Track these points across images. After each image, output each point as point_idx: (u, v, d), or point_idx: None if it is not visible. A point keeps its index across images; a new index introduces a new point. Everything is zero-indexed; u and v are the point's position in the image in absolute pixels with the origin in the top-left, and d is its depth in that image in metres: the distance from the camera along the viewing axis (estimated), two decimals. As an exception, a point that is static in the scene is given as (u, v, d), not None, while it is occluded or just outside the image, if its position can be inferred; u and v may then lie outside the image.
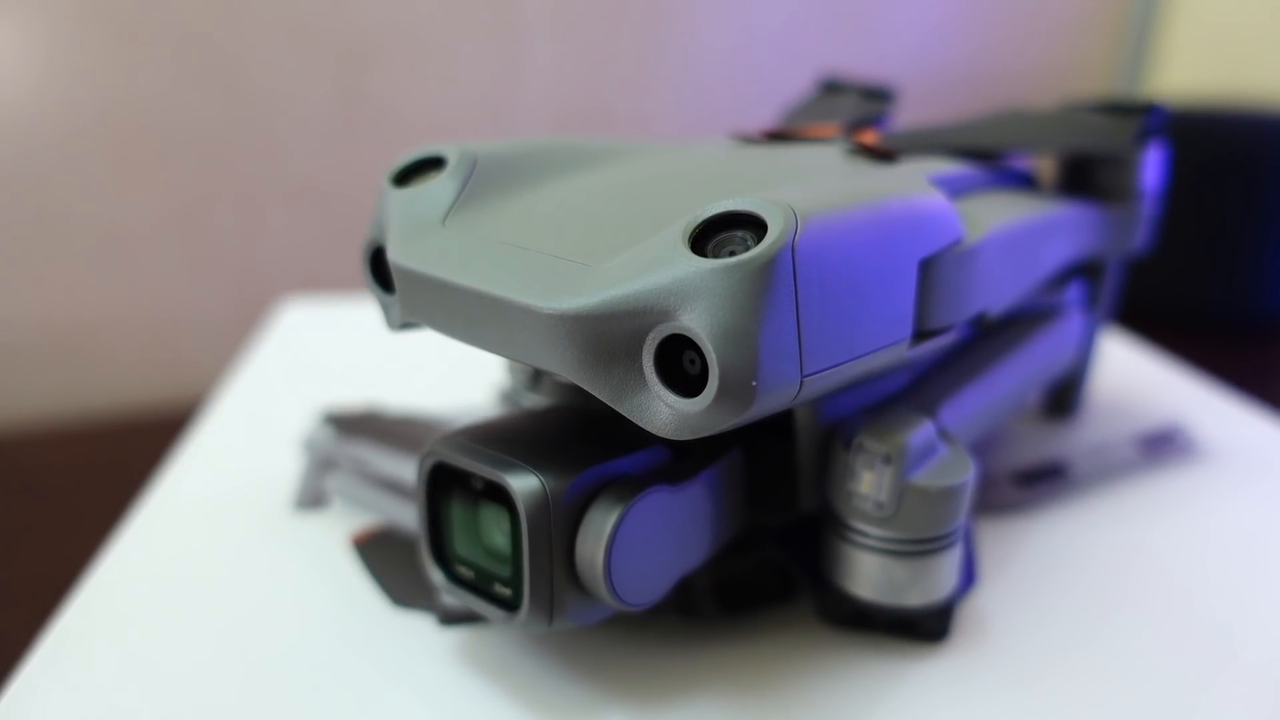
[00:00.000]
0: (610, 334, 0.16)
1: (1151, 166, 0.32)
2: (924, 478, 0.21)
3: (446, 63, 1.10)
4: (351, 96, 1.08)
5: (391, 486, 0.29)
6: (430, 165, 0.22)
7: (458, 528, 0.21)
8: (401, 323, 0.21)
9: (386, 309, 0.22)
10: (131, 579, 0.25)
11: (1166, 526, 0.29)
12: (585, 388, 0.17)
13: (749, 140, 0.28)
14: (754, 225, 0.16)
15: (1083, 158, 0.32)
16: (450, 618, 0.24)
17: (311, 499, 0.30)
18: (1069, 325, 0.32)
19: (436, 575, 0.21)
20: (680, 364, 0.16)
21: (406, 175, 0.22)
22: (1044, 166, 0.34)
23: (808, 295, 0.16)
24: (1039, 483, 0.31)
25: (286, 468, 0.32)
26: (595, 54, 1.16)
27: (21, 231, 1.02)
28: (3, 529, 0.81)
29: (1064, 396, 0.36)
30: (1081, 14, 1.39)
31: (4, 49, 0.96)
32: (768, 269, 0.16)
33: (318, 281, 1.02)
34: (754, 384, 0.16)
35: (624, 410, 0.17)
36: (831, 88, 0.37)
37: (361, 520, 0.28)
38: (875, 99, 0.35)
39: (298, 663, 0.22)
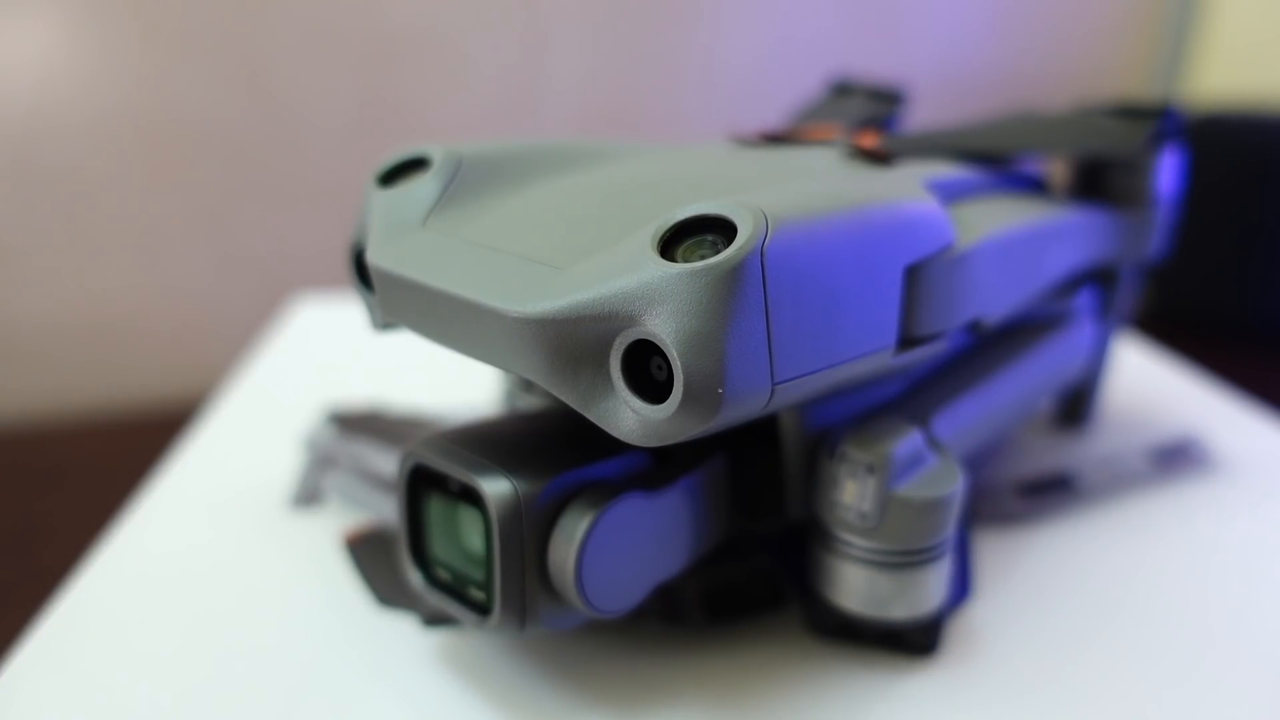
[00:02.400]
0: (576, 338, 0.16)
1: (1167, 171, 0.31)
2: (909, 488, 0.20)
3: (472, 64, 1.11)
4: (377, 97, 1.09)
5: (387, 486, 0.29)
6: (417, 166, 0.22)
7: (437, 530, 0.21)
8: (383, 323, 0.21)
9: (370, 309, 0.22)
10: (124, 573, 0.26)
11: (1174, 542, 0.28)
12: (553, 392, 0.17)
13: (746, 143, 0.28)
14: (725, 229, 0.16)
15: (1096, 162, 0.32)
16: (434, 619, 0.24)
17: (307, 497, 0.30)
18: (1079, 333, 0.31)
19: (415, 576, 0.21)
20: (648, 370, 0.16)
21: (392, 176, 0.22)
22: (1058, 171, 0.33)
23: (779, 300, 0.16)
24: (1043, 494, 0.30)
25: (287, 465, 0.32)
26: (621, 56, 1.16)
27: (58, 230, 1.04)
28: (34, 520, 0.82)
29: (1075, 405, 0.35)
30: (1117, 16, 1.37)
31: (43, 54, 0.98)
32: (735, 274, 0.15)
33: (344, 280, 1.02)
34: (720, 391, 0.15)
35: (592, 416, 0.17)
36: (842, 89, 0.37)
37: (357, 519, 0.29)
38: (885, 101, 0.35)
39: (278, 660, 0.22)
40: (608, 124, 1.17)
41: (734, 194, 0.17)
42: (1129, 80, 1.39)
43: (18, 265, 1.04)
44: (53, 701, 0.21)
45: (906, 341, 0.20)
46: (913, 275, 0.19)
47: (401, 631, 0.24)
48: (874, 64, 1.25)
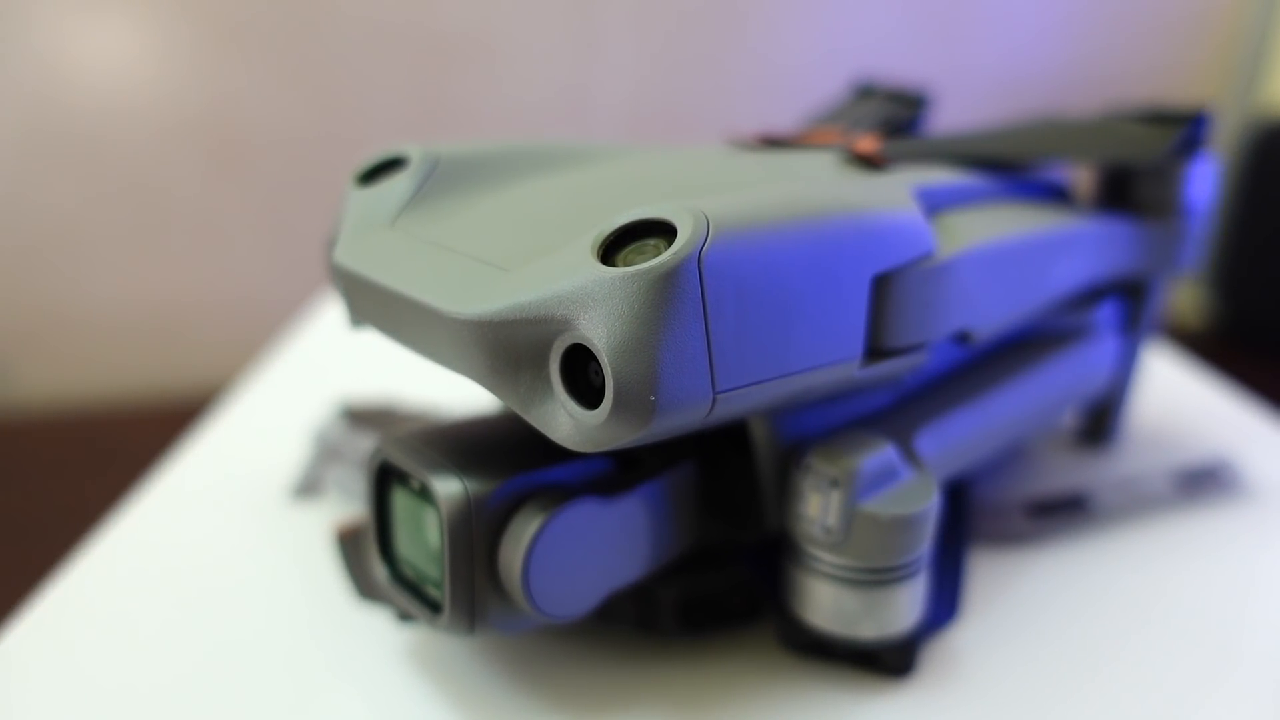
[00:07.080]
0: (515, 341, 0.16)
1: (1197, 180, 0.29)
2: (877, 504, 0.20)
3: (525, 65, 1.12)
4: (432, 97, 1.10)
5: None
6: (396, 165, 0.22)
7: (403, 527, 0.21)
8: (355, 320, 0.21)
9: (345, 306, 0.22)
10: (117, 559, 0.27)
11: (1194, 570, 0.27)
12: (494, 395, 0.17)
13: (742, 146, 0.27)
14: (668, 233, 0.16)
15: (1121, 169, 0.30)
16: (408, 615, 0.24)
17: (307, 488, 0.30)
18: (1098, 347, 0.30)
19: (381, 571, 0.21)
20: (588, 375, 0.16)
21: (373, 175, 0.22)
22: (1083, 179, 0.32)
23: (719, 307, 0.16)
24: (1054, 514, 0.29)
25: (296, 455, 0.33)
26: (674, 57, 1.16)
27: (125, 222, 1.08)
28: (90, 500, 0.86)
29: (1098, 422, 0.34)
30: (1193, 18, 1.31)
31: (113, 54, 1.02)
32: (669, 279, 0.15)
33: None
34: (652, 398, 0.15)
35: (531, 419, 0.17)
36: (865, 91, 0.36)
37: (352, 512, 0.29)
38: (907, 104, 0.34)
39: (251, 648, 0.23)
40: (658, 126, 1.17)
41: (698, 198, 0.17)
42: (1204, 85, 1.34)
43: (86, 255, 1.08)
44: (40, 681, 0.22)
45: (876, 353, 0.19)
46: (882, 284, 0.19)
47: (375, 627, 0.24)
48: (933, 67, 1.22)
